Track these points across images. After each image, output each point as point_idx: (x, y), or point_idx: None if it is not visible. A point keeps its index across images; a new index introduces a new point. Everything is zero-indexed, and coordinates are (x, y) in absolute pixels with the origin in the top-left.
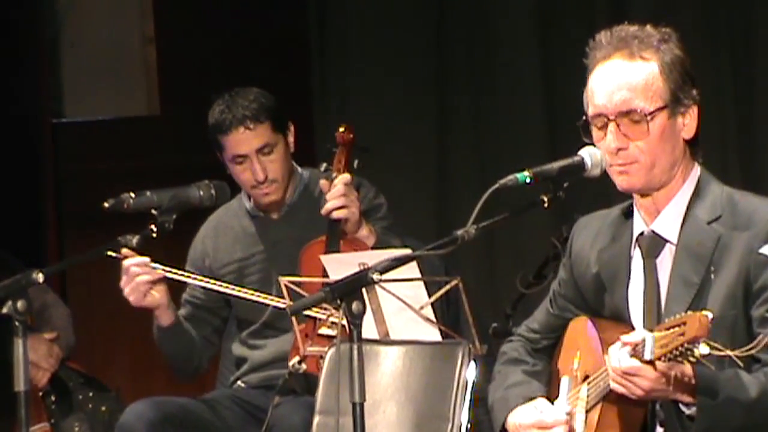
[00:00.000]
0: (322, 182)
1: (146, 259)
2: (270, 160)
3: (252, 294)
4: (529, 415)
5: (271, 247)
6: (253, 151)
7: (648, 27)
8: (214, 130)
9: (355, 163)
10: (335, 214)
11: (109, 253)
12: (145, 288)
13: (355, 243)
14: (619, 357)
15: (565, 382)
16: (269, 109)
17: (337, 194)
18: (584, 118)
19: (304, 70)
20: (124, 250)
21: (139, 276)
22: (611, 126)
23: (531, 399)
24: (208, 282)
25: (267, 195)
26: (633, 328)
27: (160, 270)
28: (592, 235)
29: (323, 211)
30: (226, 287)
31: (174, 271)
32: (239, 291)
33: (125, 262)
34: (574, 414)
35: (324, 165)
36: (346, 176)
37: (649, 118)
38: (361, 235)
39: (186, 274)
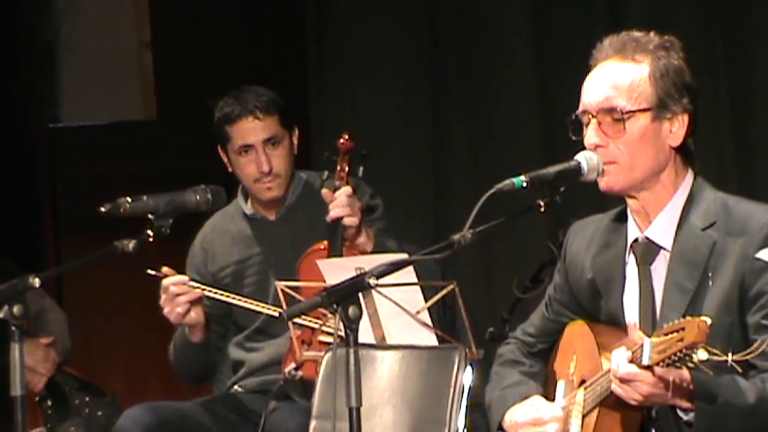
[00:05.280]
0: (325, 191)
1: (185, 278)
2: (276, 153)
3: (274, 310)
4: (525, 412)
5: (268, 249)
6: (260, 141)
7: (651, 33)
8: (222, 121)
9: (360, 170)
10: (344, 221)
11: (149, 271)
12: (185, 308)
13: (354, 249)
14: (617, 362)
15: (561, 386)
16: (278, 104)
17: (340, 204)
18: (574, 114)
19: (301, 76)
20: (164, 269)
21: (179, 296)
22: (592, 122)
23: (528, 398)
24: (241, 300)
25: (269, 189)
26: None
27: (198, 289)
28: (587, 240)
29: (328, 218)
30: (264, 306)
31: (211, 289)
32: (265, 308)
33: (164, 282)
34: (571, 418)
35: (326, 173)
36: (348, 189)
37: (627, 116)
38: (359, 242)
39: (222, 292)
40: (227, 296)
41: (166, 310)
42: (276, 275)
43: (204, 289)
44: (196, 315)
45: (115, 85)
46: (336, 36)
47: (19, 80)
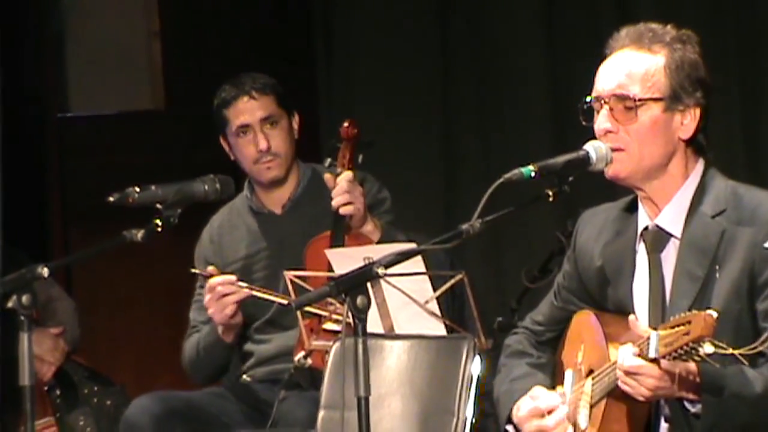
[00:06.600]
0: (327, 177)
1: (232, 278)
2: (274, 133)
3: (284, 298)
4: (526, 405)
5: (275, 244)
6: (257, 120)
7: (669, 26)
8: (221, 106)
9: (360, 158)
10: (341, 210)
11: (194, 270)
12: (233, 309)
13: (360, 238)
14: (623, 356)
15: (569, 375)
16: (275, 86)
17: (341, 191)
18: (586, 100)
19: (309, 66)
20: (210, 268)
21: (226, 296)
22: (604, 108)
23: None
24: (272, 294)
25: (269, 170)
26: None
27: (246, 289)
28: (597, 229)
29: (333, 206)
30: (284, 297)
31: (258, 288)
32: (282, 297)
33: (211, 281)
34: (579, 408)
35: (328, 160)
36: (349, 174)
37: (639, 104)
38: (366, 230)
39: (269, 291)
40: (269, 293)
41: (211, 311)
42: (284, 269)
43: (252, 289)
44: (239, 316)
45: (124, 75)
46: (345, 26)
47: (28, 70)
